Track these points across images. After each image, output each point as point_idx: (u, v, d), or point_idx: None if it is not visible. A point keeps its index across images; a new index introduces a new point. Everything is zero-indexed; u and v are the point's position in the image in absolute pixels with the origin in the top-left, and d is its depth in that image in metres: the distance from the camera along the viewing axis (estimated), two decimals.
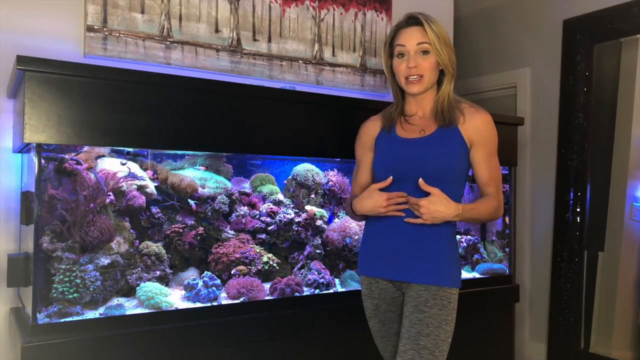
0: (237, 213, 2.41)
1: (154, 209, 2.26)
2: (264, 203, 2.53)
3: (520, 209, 3.37)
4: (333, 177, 2.66)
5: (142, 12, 2.33)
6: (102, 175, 2.05)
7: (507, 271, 2.87)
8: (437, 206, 1.57)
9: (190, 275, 2.21)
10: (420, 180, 1.59)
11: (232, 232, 2.39)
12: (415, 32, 1.66)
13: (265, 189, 2.57)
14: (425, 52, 1.65)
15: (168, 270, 2.16)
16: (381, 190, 1.68)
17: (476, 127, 1.66)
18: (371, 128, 1.82)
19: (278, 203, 2.52)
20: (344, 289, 2.38)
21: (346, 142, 2.31)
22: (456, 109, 1.69)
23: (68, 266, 1.87)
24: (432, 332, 1.57)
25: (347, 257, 2.53)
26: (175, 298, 2.07)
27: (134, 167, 2.20)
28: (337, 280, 2.45)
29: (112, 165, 2.13)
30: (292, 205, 2.56)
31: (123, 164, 2.15)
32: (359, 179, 1.84)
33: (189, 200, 2.33)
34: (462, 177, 1.70)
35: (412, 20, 1.68)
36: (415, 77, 1.66)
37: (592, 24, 3.00)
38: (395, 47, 1.70)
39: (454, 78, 1.71)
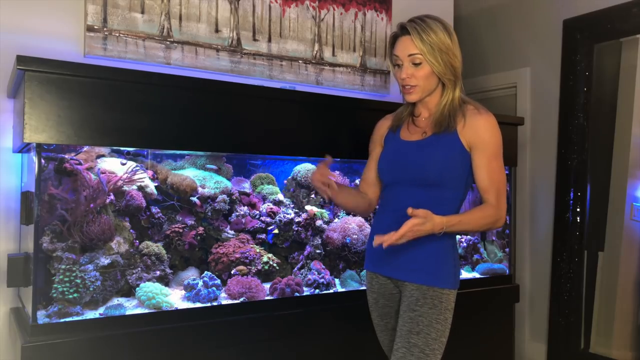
0: (237, 213, 2.41)
1: (154, 209, 2.26)
2: (264, 203, 2.53)
3: (520, 209, 3.37)
4: (333, 177, 2.66)
5: (142, 12, 2.33)
6: (104, 176, 2.05)
7: (507, 271, 2.87)
8: (425, 227, 1.53)
9: (190, 275, 2.21)
10: (409, 209, 1.54)
11: (232, 232, 2.39)
12: (407, 42, 1.64)
13: (265, 189, 2.57)
14: (417, 63, 1.63)
15: (168, 270, 2.16)
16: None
17: (475, 129, 1.63)
18: (382, 126, 1.86)
19: (278, 203, 2.52)
20: (344, 289, 2.38)
21: (346, 141, 2.31)
22: (459, 112, 1.66)
23: (68, 266, 1.87)
24: (422, 331, 1.58)
25: (347, 257, 2.53)
26: (175, 298, 2.07)
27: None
28: (337, 280, 2.45)
29: (112, 165, 2.13)
30: (292, 206, 2.57)
31: (123, 164, 2.15)
32: (365, 172, 1.89)
33: (192, 198, 2.33)
34: (462, 182, 1.67)
35: (404, 29, 1.65)
36: (409, 86, 1.66)
37: (592, 24, 3.00)
38: (393, 56, 1.70)
39: (458, 82, 1.69)
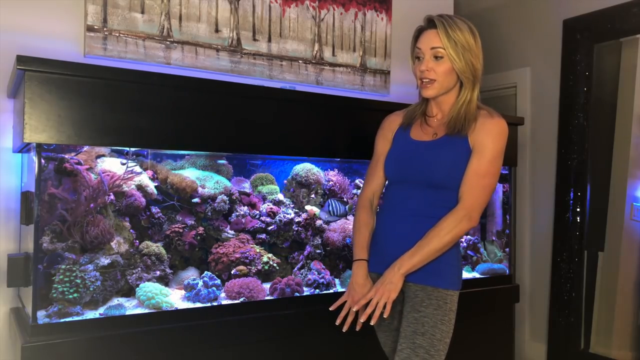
0: (237, 213, 2.41)
1: (154, 209, 2.26)
2: (264, 203, 2.53)
3: (520, 209, 3.37)
4: (333, 177, 2.66)
5: (142, 12, 2.33)
6: (106, 176, 2.05)
7: (507, 271, 2.87)
8: (384, 285, 1.61)
9: (190, 275, 2.21)
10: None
11: (232, 232, 2.39)
12: (431, 35, 1.64)
13: (265, 189, 2.57)
14: (439, 56, 1.63)
15: (168, 270, 2.16)
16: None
17: (480, 131, 1.63)
18: (394, 122, 1.82)
19: (278, 203, 2.53)
20: (344, 289, 2.38)
21: (346, 141, 2.32)
22: (472, 117, 1.66)
23: (68, 266, 1.87)
24: (427, 331, 1.58)
25: (347, 257, 2.53)
26: (175, 298, 2.07)
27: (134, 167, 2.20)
28: (337, 280, 2.45)
29: (112, 165, 2.13)
30: (292, 206, 2.57)
31: (123, 164, 2.15)
32: (372, 179, 1.83)
33: (193, 200, 2.33)
34: None
35: (431, 23, 1.66)
36: (427, 80, 1.65)
37: (592, 24, 3.00)
38: (415, 49, 1.70)
39: (477, 84, 1.67)
